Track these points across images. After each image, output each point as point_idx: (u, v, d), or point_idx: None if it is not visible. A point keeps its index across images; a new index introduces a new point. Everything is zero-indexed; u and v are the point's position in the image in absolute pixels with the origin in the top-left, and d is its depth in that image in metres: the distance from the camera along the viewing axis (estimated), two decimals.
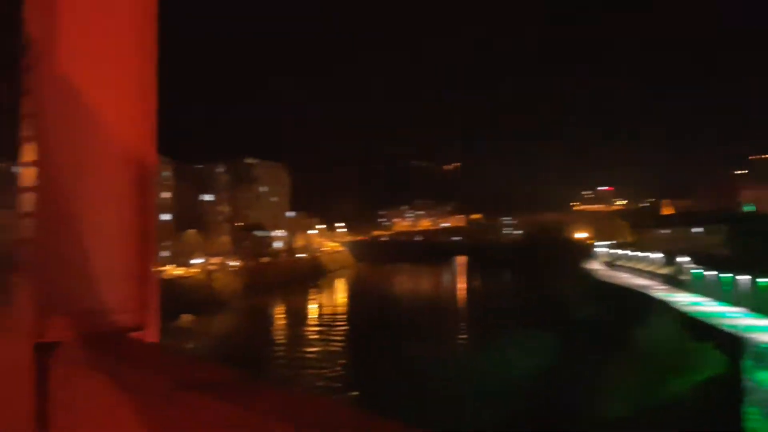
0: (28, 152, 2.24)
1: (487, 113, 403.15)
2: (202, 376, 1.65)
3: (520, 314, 56.83)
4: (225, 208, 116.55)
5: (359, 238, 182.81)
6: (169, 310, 57.23)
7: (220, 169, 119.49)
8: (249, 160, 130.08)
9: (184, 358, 1.83)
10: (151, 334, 2.27)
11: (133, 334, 2.21)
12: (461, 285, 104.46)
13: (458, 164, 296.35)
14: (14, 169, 2.25)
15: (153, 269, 2.29)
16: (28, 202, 2.22)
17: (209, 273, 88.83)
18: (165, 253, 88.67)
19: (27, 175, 2.25)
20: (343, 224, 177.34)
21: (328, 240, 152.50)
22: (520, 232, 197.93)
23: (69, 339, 2.10)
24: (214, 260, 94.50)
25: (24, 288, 2.18)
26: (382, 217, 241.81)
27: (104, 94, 2.30)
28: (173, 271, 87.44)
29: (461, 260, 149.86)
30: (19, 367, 2.12)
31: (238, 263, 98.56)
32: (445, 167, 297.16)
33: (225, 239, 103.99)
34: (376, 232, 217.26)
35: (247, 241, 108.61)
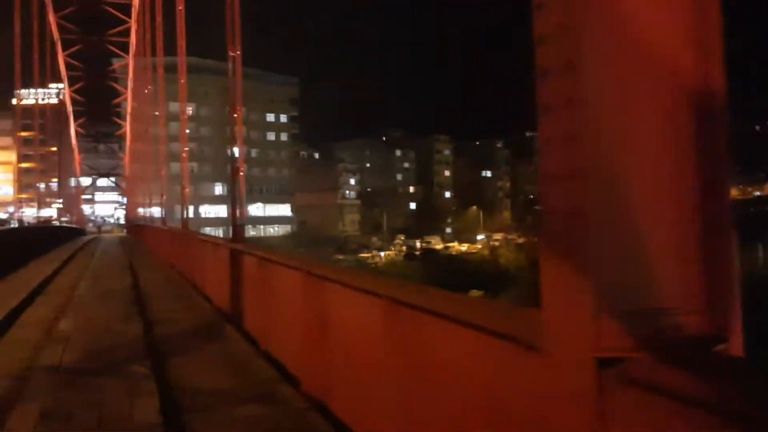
0: (551, 88, 1.63)
1: None
2: None
3: None
4: (505, 184, 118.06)
5: None
6: (460, 286, 60.24)
7: (499, 144, 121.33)
8: (528, 134, 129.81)
9: None
10: (734, 347, 1.51)
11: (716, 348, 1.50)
12: None
13: None
14: None
15: (729, 248, 1.53)
16: (560, 158, 1.60)
17: (493, 249, 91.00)
18: (448, 230, 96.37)
19: (550, 121, 1.64)
20: None
21: None
22: None
23: (634, 352, 1.45)
24: (496, 236, 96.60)
25: (568, 280, 1.59)
26: None
27: None
28: (458, 247, 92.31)
29: None
30: (573, 392, 1.55)
31: (520, 238, 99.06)
32: (757, 127, 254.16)
33: (506, 214, 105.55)
34: None
35: (529, 215, 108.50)
